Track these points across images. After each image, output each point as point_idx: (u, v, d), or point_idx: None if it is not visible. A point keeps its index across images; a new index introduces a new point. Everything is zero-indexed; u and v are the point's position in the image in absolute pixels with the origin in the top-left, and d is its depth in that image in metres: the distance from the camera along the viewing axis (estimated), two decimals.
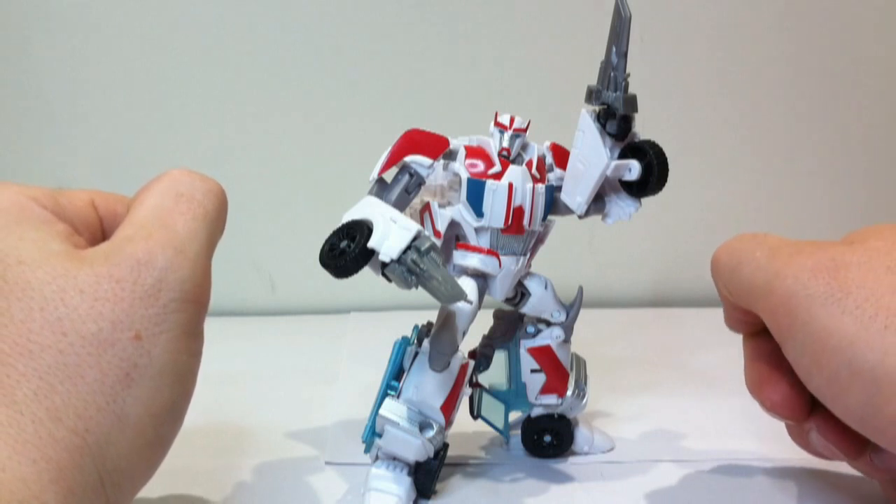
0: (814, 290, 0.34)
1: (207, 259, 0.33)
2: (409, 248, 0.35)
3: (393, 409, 0.40)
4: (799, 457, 0.45)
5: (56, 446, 0.27)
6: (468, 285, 0.40)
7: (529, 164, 0.41)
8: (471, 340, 0.42)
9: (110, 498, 0.29)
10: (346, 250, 0.36)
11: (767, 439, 0.47)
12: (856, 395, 0.32)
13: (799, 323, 0.34)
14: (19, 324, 0.28)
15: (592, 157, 0.39)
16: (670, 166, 0.39)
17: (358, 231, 0.36)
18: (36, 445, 0.27)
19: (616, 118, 0.38)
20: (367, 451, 0.42)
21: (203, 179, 0.34)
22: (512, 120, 0.41)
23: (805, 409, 0.37)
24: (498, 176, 0.40)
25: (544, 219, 0.41)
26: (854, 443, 0.37)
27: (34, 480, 0.26)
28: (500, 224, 0.40)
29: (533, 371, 0.43)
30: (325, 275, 0.36)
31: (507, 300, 0.43)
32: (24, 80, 0.64)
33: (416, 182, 0.40)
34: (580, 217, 0.41)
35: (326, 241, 0.37)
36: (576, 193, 0.40)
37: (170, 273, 0.30)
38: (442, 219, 0.40)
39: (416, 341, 0.41)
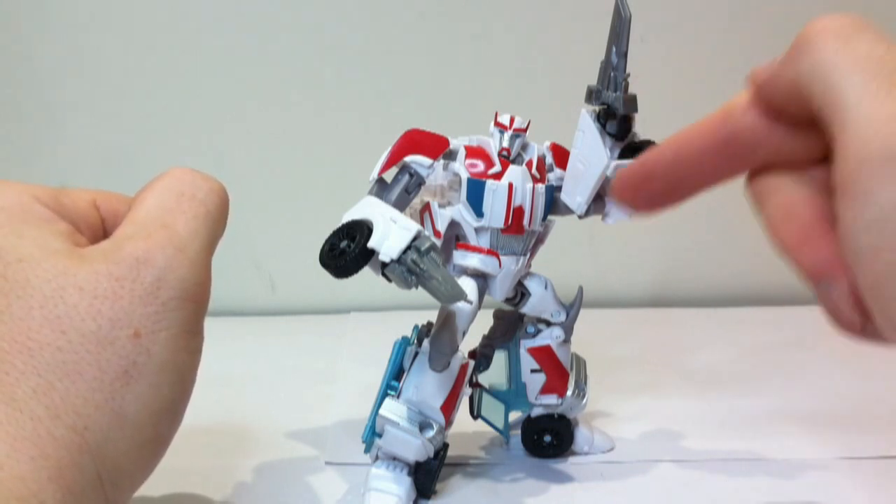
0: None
1: (208, 258, 0.32)
2: (409, 248, 0.35)
3: (393, 409, 0.40)
4: (799, 456, 0.46)
5: (55, 444, 0.27)
6: (468, 285, 0.40)
7: (529, 164, 0.41)
8: (471, 340, 0.42)
9: (109, 496, 0.29)
10: (346, 250, 0.36)
11: (767, 439, 0.47)
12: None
13: (885, 195, 0.25)
14: (19, 321, 0.28)
15: (592, 157, 0.39)
16: None
17: (358, 231, 0.36)
18: (34, 443, 0.27)
19: (616, 118, 0.38)
20: (367, 451, 0.42)
21: (205, 178, 0.34)
22: (512, 120, 0.41)
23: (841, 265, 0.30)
24: (498, 176, 0.40)
25: (544, 219, 0.41)
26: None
27: (32, 478, 0.26)
28: (500, 224, 0.40)
29: (533, 371, 0.43)
30: (325, 275, 0.36)
31: (507, 300, 0.43)
32: (26, 79, 0.64)
33: (416, 182, 0.40)
34: (580, 217, 0.41)
35: (326, 241, 0.37)
36: (576, 193, 0.40)
37: (169, 272, 0.30)
38: (442, 219, 0.40)
39: (416, 341, 0.41)
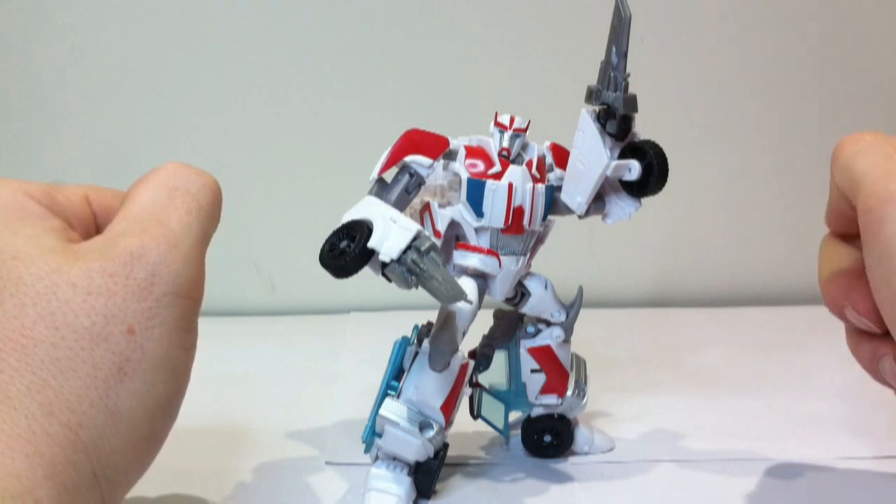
0: None
1: (201, 254, 0.32)
2: (409, 248, 0.35)
3: (393, 409, 0.40)
4: (799, 456, 0.46)
5: (49, 441, 0.27)
6: (468, 285, 0.40)
7: (529, 164, 0.41)
8: (471, 340, 0.42)
9: (104, 493, 0.29)
10: (346, 250, 0.36)
11: (767, 439, 0.47)
12: None
13: (886, 230, 0.33)
14: (12, 319, 0.28)
15: (592, 157, 0.39)
16: (670, 166, 0.39)
17: (358, 231, 0.36)
18: (29, 441, 0.27)
19: (616, 118, 0.38)
20: (367, 451, 0.42)
21: (198, 173, 0.34)
22: (512, 120, 0.40)
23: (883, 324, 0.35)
24: (498, 176, 0.40)
25: (544, 219, 0.41)
26: None
27: (27, 476, 0.26)
28: (500, 224, 0.40)
29: (533, 371, 0.43)
30: (325, 275, 0.36)
31: (507, 300, 0.43)
32: (20, 76, 0.64)
33: (416, 182, 0.40)
34: (580, 217, 0.41)
35: (326, 241, 0.37)
36: (576, 193, 0.40)
37: (163, 267, 0.30)
38: (442, 219, 0.40)
39: (416, 341, 0.41)
